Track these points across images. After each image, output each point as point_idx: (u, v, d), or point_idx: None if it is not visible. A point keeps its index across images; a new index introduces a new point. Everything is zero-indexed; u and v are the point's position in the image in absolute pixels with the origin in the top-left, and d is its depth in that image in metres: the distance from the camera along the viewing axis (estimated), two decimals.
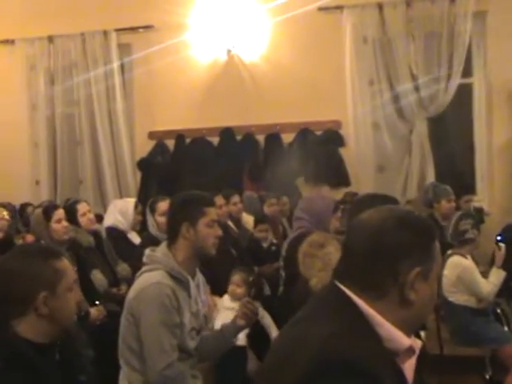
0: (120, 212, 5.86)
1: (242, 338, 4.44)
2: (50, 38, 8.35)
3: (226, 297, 4.63)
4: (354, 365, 1.45)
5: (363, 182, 7.49)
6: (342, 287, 1.61)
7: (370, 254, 1.58)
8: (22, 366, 2.10)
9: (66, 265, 2.30)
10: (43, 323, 2.20)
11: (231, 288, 4.60)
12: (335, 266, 1.70)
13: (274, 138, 7.86)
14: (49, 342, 2.23)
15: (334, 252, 3.26)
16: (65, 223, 5.07)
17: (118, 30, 8.20)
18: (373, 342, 1.54)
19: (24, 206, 7.42)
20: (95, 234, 5.52)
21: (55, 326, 2.23)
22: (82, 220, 5.45)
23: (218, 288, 4.77)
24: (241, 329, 3.30)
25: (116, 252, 5.63)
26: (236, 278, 4.62)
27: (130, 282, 5.10)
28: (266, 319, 4.63)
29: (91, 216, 5.57)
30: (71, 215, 5.34)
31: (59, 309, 2.22)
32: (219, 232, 3.22)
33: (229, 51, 7.93)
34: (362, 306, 1.57)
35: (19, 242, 5.61)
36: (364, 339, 1.52)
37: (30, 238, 5.60)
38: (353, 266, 1.61)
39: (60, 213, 5.10)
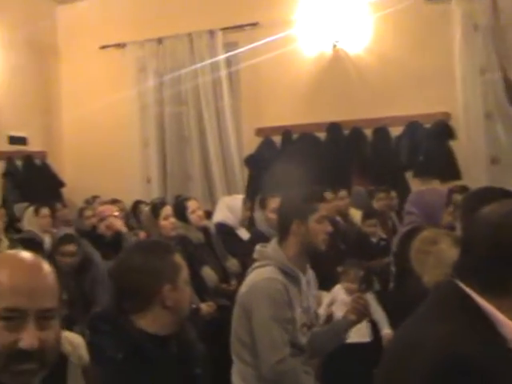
0: (229, 208, 5.93)
1: (367, 334, 4.45)
2: (159, 40, 8.57)
3: (339, 287, 4.62)
4: (474, 365, 1.40)
5: (475, 175, 7.23)
6: (461, 285, 1.55)
7: (491, 250, 1.51)
8: (141, 358, 2.18)
9: (181, 259, 2.37)
10: (166, 315, 2.28)
11: (343, 282, 4.60)
12: (454, 262, 1.64)
13: (381, 131, 7.75)
14: (168, 334, 2.30)
15: (446, 249, 3.18)
16: (172, 220, 5.17)
17: (223, 29, 8.31)
18: (495, 343, 1.48)
19: (136, 204, 7.63)
20: (205, 231, 5.60)
21: (176, 317, 2.31)
22: (192, 217, 5.53)
23: (326, 284, 4.74)
24: (352, 324, 3.26)
25: (225, 248, 5.69)
26: (348, 271, 4.61)
27: (239, 277, 5.17)
28: (378, 314, 4.58)
29: (200, 213, 5.65)
30: (181, 212, 5.44)
31: (179, 301, 2.31)
32: (329, 228, 3.20)
33: (334, 45, 7.87)
34: (483, 304, 1.50)
35: (132, 238, 5.76)
36: (485, 339, 1.46)
37: (142, 234, 5.76)
38: (473, 263, 1.55)
39: (167, 209, 5.22)
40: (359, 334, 4.39)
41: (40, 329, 1.54)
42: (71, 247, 4.83)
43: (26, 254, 1.65)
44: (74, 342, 1.79)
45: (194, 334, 2.45)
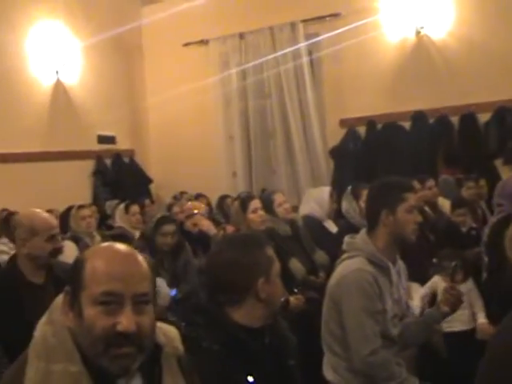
0: (316, 200, 5.91)
1: (469, 321, 4.36)
2: (241, 35, 8.63)
3: (438, 278, 4.55)
4: None
5: None
6: None
7: None
8: (236, 349, 2.21)
9: (272, 251, 2.39)
10: (260, 308, 2.31)
11: (441, 273, 4.53)
12: None
13: (468, 118, 7.55)
14: (261, 327, 2.32)
15: None
16: (261, 213, 5.21)
17: (304, 21, 8.28)
18: None
19: (222, 198, 7.72)
20: (292, 223, 5.61)
21: (269, 310, 2.33)
22: (279, 210, 5.55)
23: (416, 274, 4.67)
24: (445, 315, 3.21)
25: (313, 240, 5.68)
26: (443, 262, 4.54)
27: (327, 269, 5.16)
28: (476, 302, 4.48)
29: (287, 206, 5.66)
30: (268, 206, 5.47)
31: (273, 293, 2.33)
32: (419, 218, 3.16)
33: (418, 31, 7.72)
34: None
35: (220, 233, 5.82)
36: None
37: (230, 228, 5.82)
38: None
39: (256, 203, 5.26)
40: (462, 322, 4.33)
41: (136, 313, 1.61)
42: (170, 227, 5.00)
43: (120, 245, 1.73)
44: (169, 333, 1.82)
45: (286, 326, 2.47)
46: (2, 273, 3.89)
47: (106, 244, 1.77)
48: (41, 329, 1.67)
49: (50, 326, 1.66)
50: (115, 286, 1.61)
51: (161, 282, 4.73)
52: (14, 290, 3.46)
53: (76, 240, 5.87)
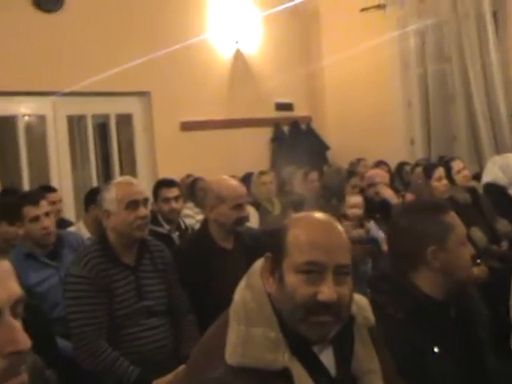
0: (500, 168, 5.71)
1: None
2: None
3: None
4: None
5: None
6: None
7: None
8: (421, 318, 2.18)
9: (455, 218, 2.32)
10: (436, 277, 2.24)
11: None
12: None
13: None
14: (443, 298, 2.26)
15: None
16: (445, 181, 5.18)
17: None
18: None
19: (401, 165, 7.62)
20: (471, 191, 5.48)
21: (448, 280, 2.25)
22: (457, 177, 5.47)
23: None
24: None
25: (495, 208, 5.51)
26: None
27: (510, 238, 4.99)
28: None
29: (466, 173, 5.58)
30: (446, 173, 5.39)
31: (451, 262, 2.24)
32: None
33: None
34: None
35: (399, 200, 5.76)
36: None
37: (409, 196, 5.76)
38: None
39: (440, 171, 5.23)
40: None
41: (337, 284, 1.63)
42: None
43: (319, 214, 1.75)
44: (360, 303, 1.82)
45: (477, 295, 2.41)
46: (195, 236, 4.06)
47: (307, 213, 1.79)
48: (240, 293, 1.73)
49: (250, 290, 1.71)
50: (319, 256, 1.63)
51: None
52: (204, 253, 3.60)
53: (256, 205, 6.06)
